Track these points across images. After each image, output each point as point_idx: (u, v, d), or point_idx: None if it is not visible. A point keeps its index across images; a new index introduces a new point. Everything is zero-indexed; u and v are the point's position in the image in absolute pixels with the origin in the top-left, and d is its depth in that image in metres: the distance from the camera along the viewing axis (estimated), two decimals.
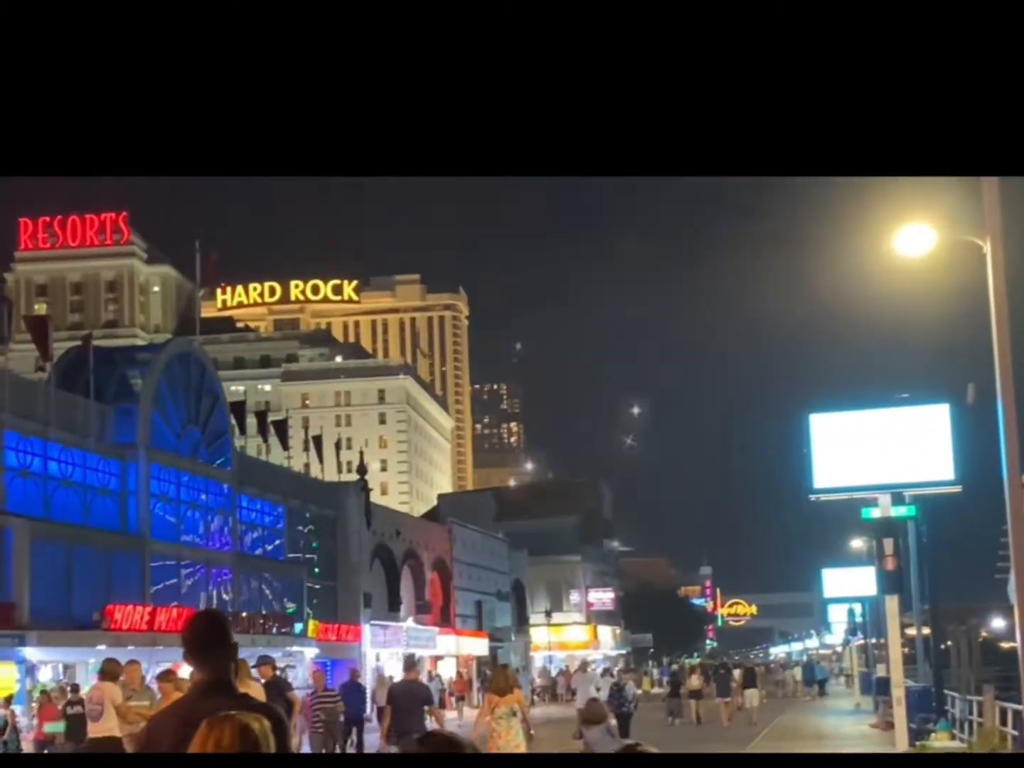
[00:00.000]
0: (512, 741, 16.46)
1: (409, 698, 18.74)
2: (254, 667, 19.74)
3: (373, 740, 28.89)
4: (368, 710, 36.71)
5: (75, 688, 28.82)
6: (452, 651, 71.90)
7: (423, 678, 35.74)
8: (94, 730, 17.28)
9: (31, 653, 36.42)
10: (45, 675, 37.53)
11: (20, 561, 37.95)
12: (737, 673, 46.15)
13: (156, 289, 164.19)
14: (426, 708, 18.73)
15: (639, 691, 43.20)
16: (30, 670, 36.40)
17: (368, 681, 47.54)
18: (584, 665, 32.79)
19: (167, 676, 15.69)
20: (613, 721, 20.24)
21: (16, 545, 38.03)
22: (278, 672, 24.88)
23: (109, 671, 17.33)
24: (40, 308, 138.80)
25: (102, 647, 36.18)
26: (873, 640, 53.25)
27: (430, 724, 18.77)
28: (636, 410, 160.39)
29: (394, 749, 17.89)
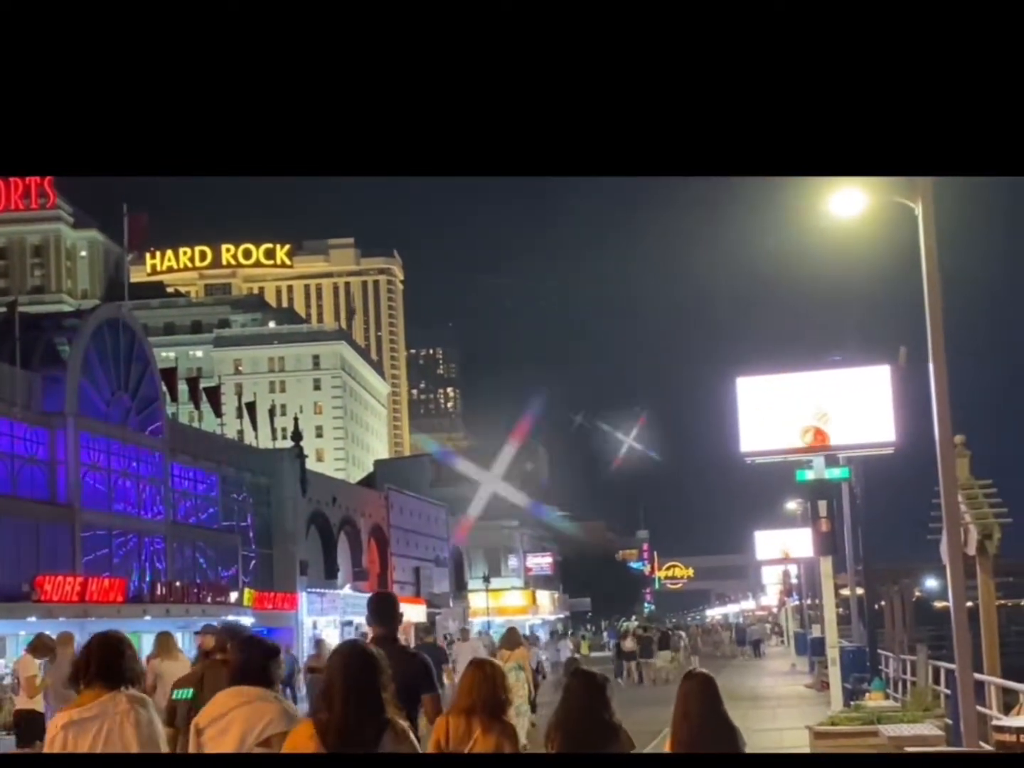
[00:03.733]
0: (518, 692, 18.02)
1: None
2: (197, 634, 19.52)
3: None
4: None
5: None
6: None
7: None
8: (20, 703, 17.20)
9: None
10: None
11: None
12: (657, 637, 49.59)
13: (83, 254, 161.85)
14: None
15: (577, 654, 44.69)
16: None
17: (306, 649, 47.31)
18: (465, 633, 31.67)
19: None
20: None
21: None
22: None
23: (38, 645, 17.02)
24: None
25: (32, 619, 35.68)
26: (808, 601, 53.82)
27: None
28: (578, 418, 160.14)
29: None
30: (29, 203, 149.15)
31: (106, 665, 6.14)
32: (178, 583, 47.65)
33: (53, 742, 6.08)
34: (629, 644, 47.49)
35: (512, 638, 20.60)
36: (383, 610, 8.12)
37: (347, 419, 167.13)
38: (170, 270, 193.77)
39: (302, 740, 5.06)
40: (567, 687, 6.69)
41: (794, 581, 64.07)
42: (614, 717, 6.51)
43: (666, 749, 6.53)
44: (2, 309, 48.79)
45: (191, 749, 6.08)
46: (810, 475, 22.00)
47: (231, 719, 5.96)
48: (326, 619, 61.75)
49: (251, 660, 6.21)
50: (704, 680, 6.58)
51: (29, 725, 16.36)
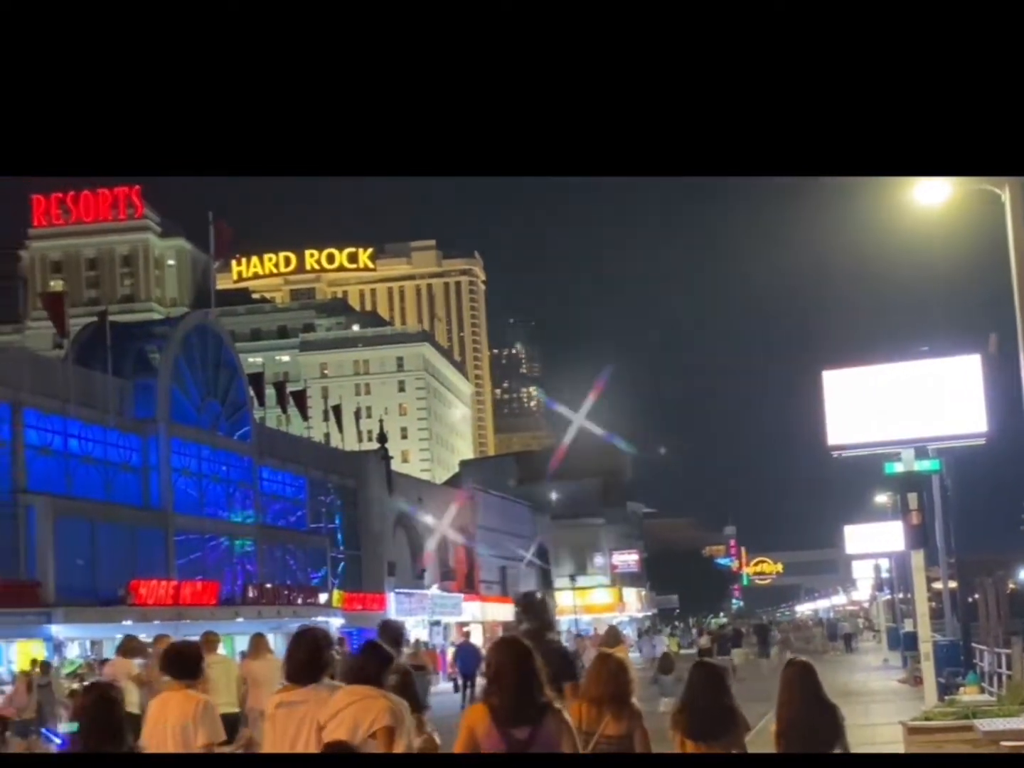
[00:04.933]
0: None
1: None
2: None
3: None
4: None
5: (103, 664, 28.78)
6: (478, 617, 72.07)
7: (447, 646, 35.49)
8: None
9: (58, 630, 36.58)
10: (72, 652, 37.70)
11: (44, 539, 38.09)
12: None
13: (171, 262, 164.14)
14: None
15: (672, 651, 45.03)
16: (57, 647, 36.56)
17: None
18: (466, 636, 31.25)
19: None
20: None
21: (39, 523, 38.16)
22: None
23: (129, 648, 17.33)
24: (56, 285, 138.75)
25: (128, 622, 36.31)
26: (900, 595, 53.15)
27: None
28: (662, 449, 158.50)
29: None
30: (117, 214, 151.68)
31: (308, 658, 7.13)
32: (269, 585, 48.23)
33: (269, 718, 7.19)
34: (704, 642, 48.06)
35: (612, 635, 20.73)
36: (533, 608, 9.38)
37: (431, 420, 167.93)
38: (256, 276, 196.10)
39: (478, 719, 5.95)
40: (690, 677, 7.64)
41: (885, 575, 63.28)
42: (733, 701, 7.43)
43: (772, 732, 7.53)
44: (94, 319, 49.71)
45: (312, 747, 6.82)
46: (899, 468, 21.70)
47: (345, 715, 6.68)
48: (414, 619, 62.12)
49: (368, 664, 6.96)
50: (803, 666, 7.67)
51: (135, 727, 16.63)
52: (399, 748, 6.55)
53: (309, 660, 7.10)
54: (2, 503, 37.67)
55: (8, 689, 27.60)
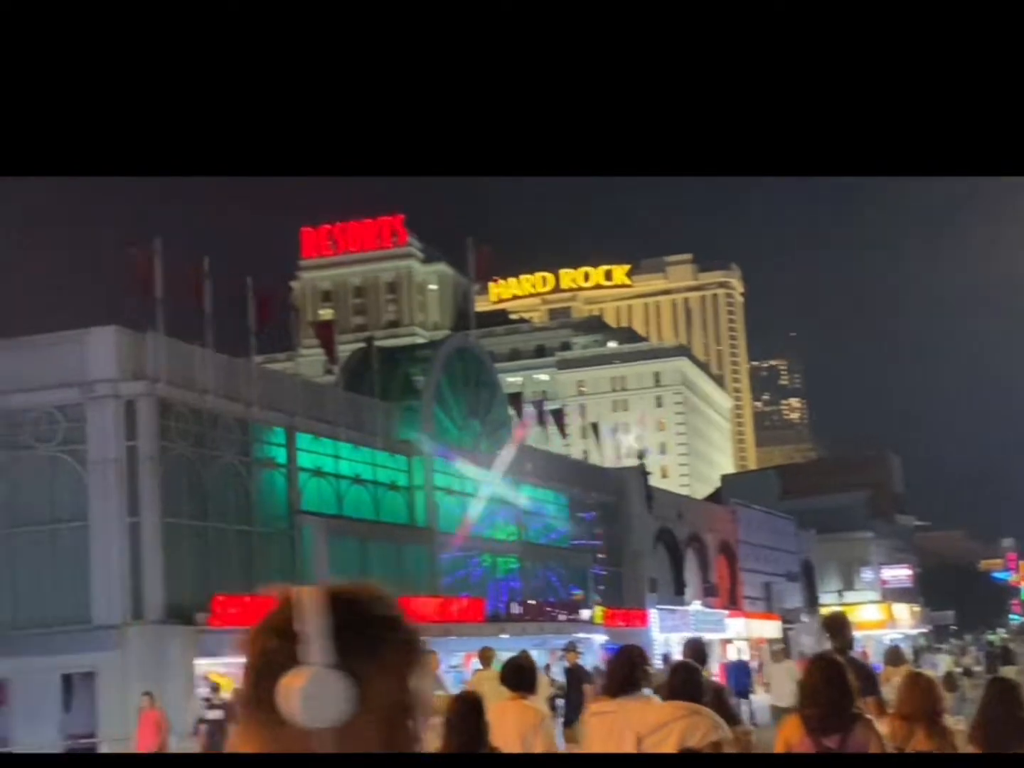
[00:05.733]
0: None
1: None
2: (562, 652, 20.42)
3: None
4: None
5: None
6: (742, 634, 71.22)
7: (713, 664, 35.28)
8: None
9: None
10: None
11: (318, 559, 39.72)
12: None
13: (433, 287, 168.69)
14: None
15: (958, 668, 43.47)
16: None
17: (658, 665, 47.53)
18: (780, 653, 29.29)
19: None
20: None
21: (313, 543, 39.84)
22: (579, 661, 25.28)
23: None
24: (325, 313, 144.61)
25: None
26: None
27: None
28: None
29: None
30: (382, 242, 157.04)
31: (624, 673, 7.59)
32: (532, 602, 48.91)
33: (585, 724, 7.67)
34: (967, 660, 46.60)
35: (895, 655, 20.74)
36: (836, 627, 10.16)
37: (690, 435, 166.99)
38: (514, 297, 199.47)
39: (793, 730, 6.55)
40: (986, 692, 7.83)
41: None
42: None
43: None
44: (361, 344, 51.66)
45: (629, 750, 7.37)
46: None
47: (671, 729, 6.97)
48: (678, 635, 61.83)
49: (689, 681, 7.39)
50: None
51: None
52: None
53: (624, 674, 7.46)
54: (279, 524, 39.51)
55: None
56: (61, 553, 33.37)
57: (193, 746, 23.72)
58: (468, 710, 7.37)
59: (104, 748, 28.45)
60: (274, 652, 1.74)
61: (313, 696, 1.68)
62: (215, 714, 23.43)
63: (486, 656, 16.59)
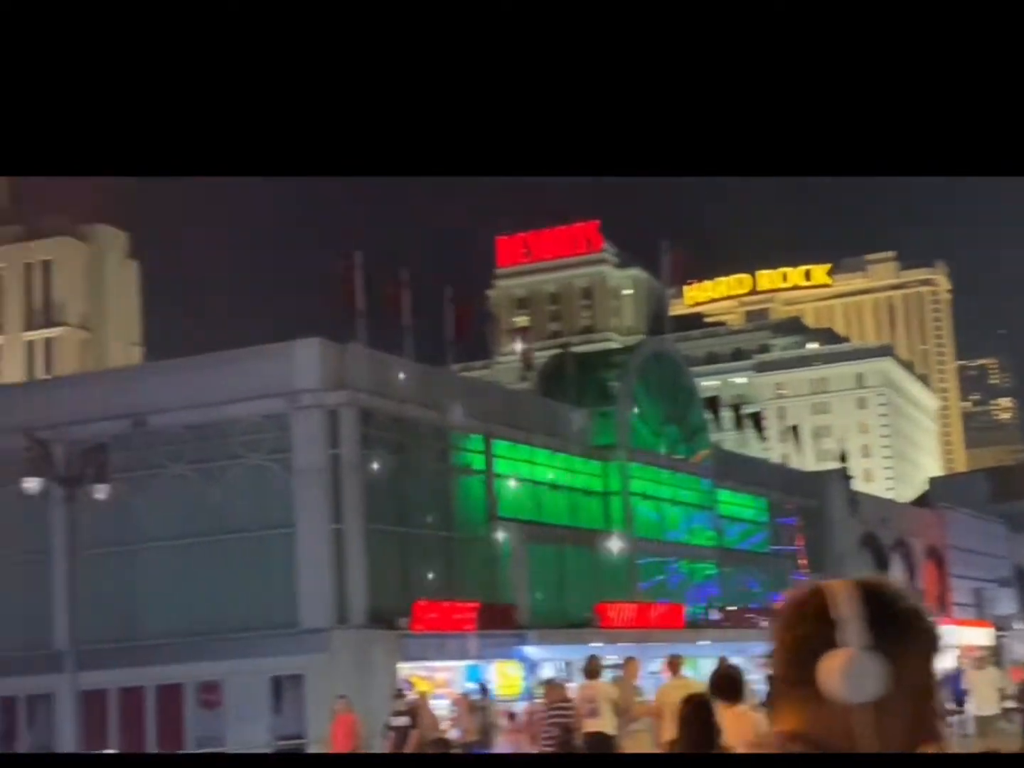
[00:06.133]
0: None
1: None
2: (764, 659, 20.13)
3: None
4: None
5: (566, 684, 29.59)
6: (951, 642, 69.03)
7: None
8: (588, 726, 17.94)
9: (531, 651, 38.38)
10: (546, 673, 39.40)
11: (516, 564, 40.09)
12: None
13: (628, 292, 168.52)
14: None
15: None
16: (532, 668, 38.34)
17: None
18: (982, 660, 27.70)
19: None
20: None
21: (511, 549, 40.22)
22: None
23: (592, 668, 17.96)
24: (521, 321, 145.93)
25: (597, 644, 37.54)
26: None
27: None
28: None
29: None
30: (576, 248, 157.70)
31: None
32: (731, 608, 48.39)
33: None
34: None
35: None
36: None
37: (894, 437, 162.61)
38: (710, 300, 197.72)
39: None
40: None
41: None
42: None
43: None
44: (556, 351, 52.00)
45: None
46: None
47: None
48: None
49: None
50: None
51: (600, 746, 17.20)
52: None
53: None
54: (477, 530, 40.02)
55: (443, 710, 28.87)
56: (269, 559, 34.47)
57: (383, 750, 24.15)
58: (699, 712, 7.68)
59: (312, 749, 29.27)
60: (812, 637, 1.90)
61: (854, 675, 1.85)
62: (400, 721, 23.81)
63: (675, 664, 16.48)
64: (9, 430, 32.72)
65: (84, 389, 38.09)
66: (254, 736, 31.48)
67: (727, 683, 9.10)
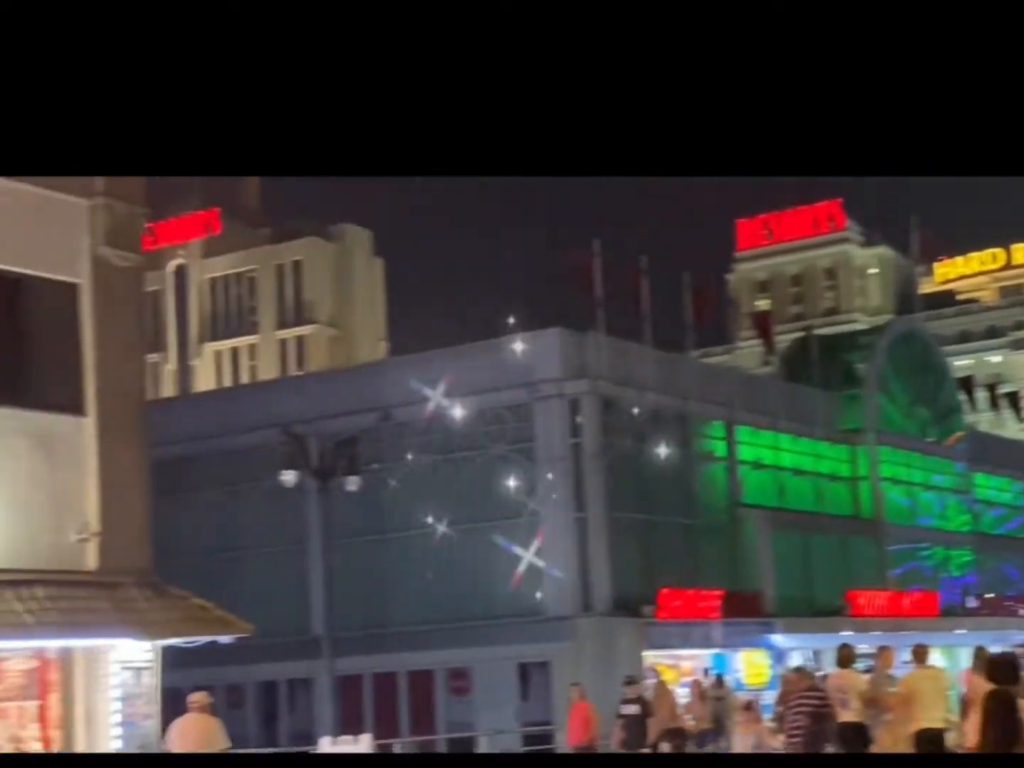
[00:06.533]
0: None
1: None
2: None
3: None
4: None
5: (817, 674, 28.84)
6: None
7: None
8: (842, 716, 17.51)
9: (778, 640, 37.80)
10: (794, 662, 38.71)
11: (762, 551, 39.54)
12: None
13: (874, 271, 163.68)
14: None
15: None
16: (779, 656, 37.76)
17: None
18: None
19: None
20: None
21: (756, 536, 39.68)
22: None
23: (844, 657, 17.52)
24: (762, 304, 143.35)
25: (847, 632, 36.70)
26: None
27: None
28: None
29: None
30: (818, 228, 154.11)
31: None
32: (990, 595, 46.60)
33: None
34: None
35: None
36: None
37: None
38: (961, 277, 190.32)
39: None
40: None
41: None
42: None
43: None
44: (799, 334, 51.00)
45: None
46: None
47: None
48: None
49: None
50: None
51: (854, 737, 16.80)
52: None
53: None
54: (720, 517, 39.62)
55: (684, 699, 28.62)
56: (516, 546, 34.84)
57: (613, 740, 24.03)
58: (1004, 705, 7.66)
59: (558, 735, 29.51)
60: None
61: None
62: (631, 709, 23.64)
63: (921, 653, 15.92)
64: (266, 425, 34.16)
65: (334, 384, 39.35)
66: (502, 722, 31.99)
67: (1008, 667, 8.93)
